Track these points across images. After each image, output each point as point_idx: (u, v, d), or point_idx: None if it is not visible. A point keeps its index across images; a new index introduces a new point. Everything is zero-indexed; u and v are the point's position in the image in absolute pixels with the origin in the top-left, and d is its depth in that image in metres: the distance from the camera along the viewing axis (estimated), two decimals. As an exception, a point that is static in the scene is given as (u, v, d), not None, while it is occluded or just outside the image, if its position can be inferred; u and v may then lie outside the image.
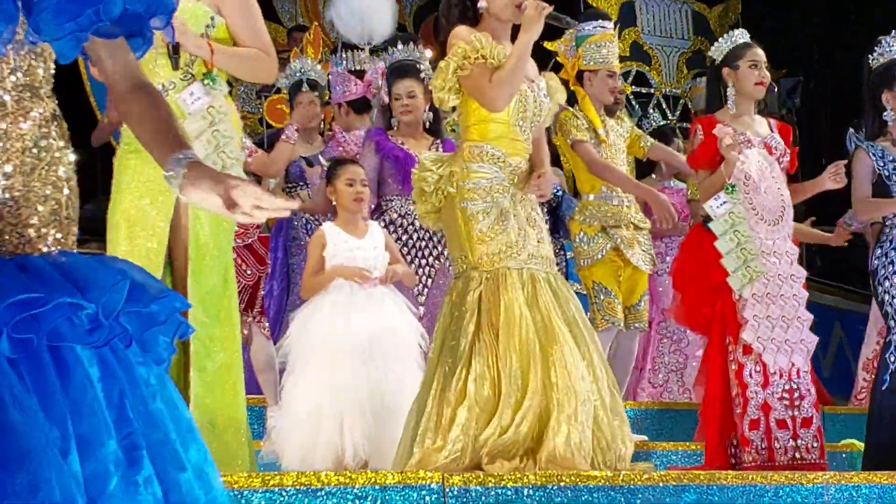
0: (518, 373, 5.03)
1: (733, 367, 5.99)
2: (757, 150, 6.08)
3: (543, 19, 5.20)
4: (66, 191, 2.28)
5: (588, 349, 5.16)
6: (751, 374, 5.97)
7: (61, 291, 2.09)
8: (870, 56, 6.48)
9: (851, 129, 6.68)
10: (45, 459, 2.00)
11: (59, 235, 2.25)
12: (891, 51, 6.42)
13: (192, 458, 2.24)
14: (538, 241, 5.28)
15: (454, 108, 5.50)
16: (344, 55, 8.05)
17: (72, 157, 2.30)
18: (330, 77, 8.20)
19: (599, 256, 7.14)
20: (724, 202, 5.97)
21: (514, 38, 5.29)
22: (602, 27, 7.43)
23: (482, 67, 5.18)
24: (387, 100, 7.13)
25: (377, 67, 7.59)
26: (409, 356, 5.84)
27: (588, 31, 7.40)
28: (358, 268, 5.94)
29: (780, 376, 5.98)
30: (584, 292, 7.28)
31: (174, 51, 4.71)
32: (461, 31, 5.27)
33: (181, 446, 2.22)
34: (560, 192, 8.00)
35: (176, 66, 4.74)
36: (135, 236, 4.73)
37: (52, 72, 2.31)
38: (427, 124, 7.12)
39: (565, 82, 7.41)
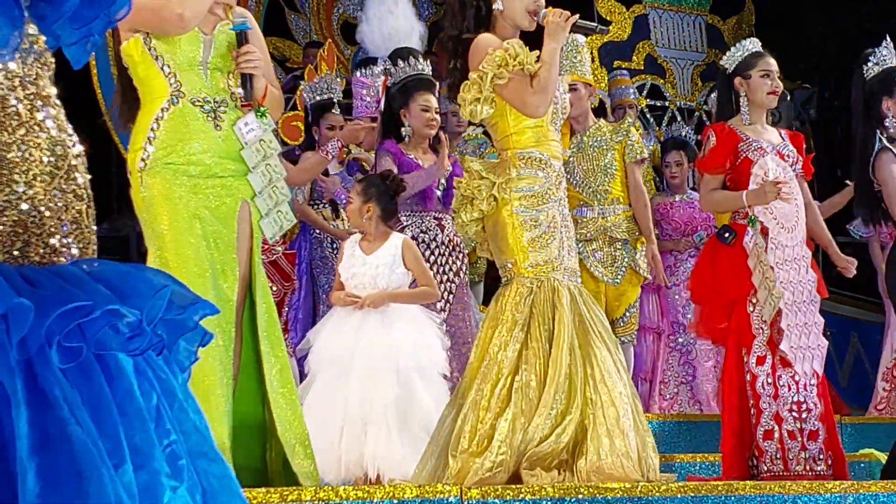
0: (566, 384, 5.02)
1: (748, 378, 6.00)
2: (771, 158, 6.08)
3: (569, 27, 5.19)
4: (85, 198, 2.28)
5: (617, 363, 5.16)
6: (763, 386, 5.97)
7: (102, 299, 2.09)
8: (864, 67, 6.48)
9: (878, 132, 6.65)
10: (98, 474, 2.00)
11: (81, 245, 2.25)
12: (885, 60, 6.43)
13: (219, 472, 2.24)
14: (569, 254, 5.28)
15: (470, 123, 5.50)
16: (368, 70, 8.08)
17: (84, 160, 2.31)
18: (353, 88, 8.27)
19: None
20: (751, 235, 5.99)
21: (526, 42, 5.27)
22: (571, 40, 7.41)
23: (521, 75, 5.13)
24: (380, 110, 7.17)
25: (379, 80, 7.61)
26: (428, 370, 5.85)
27: None
28: (343, 294, 5.95)
29: (789, 389, 5.98)
30: None
31: (248, 83, 4.78)
32: (489, 38, 5.20)
33: (207, 459, 2.23)
34: None
35: (248, 98, 4.79)
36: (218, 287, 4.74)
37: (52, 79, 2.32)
38: (430, 140, 7.16)
39: None
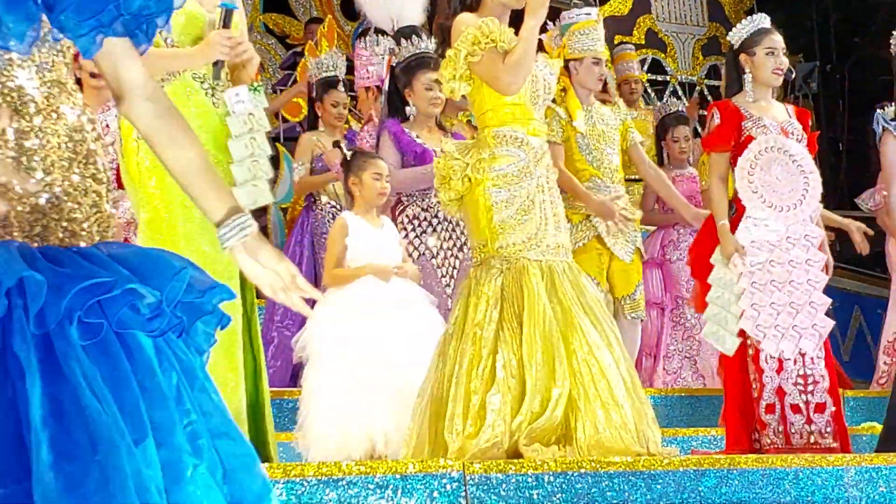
0: (545, 361, 5.03)
1: (750, 352, 6.00)
2: (773, 136, 6.06)
3: (548, 2, 5.19)
4: (105, 181, 2.29)
5: (607, 335, 5.16)
6: (766, 360, 5.97)
7: (125, 279, 2.10)
8: (893, 45, 6.48)
9: (878, 111, 6.64)
10: (116, 449, 2.00)
11: (100, 228, 2.26)
12: None
13: (239, 450, 2.25)
14: (556, 230, 5.28)
15: (464, 97, 5.50)
16: (371, 38, 8.09)
17: (102, 149, 2.32)
18: (356, 61, 8.28)
19: (581, 244, 7.16)
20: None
21: (512, 24, 5.28)
22: (586, 14, 7.41)
23: (493, 52, 5.16)
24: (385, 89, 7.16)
25: (379, 51, 7.60)
26: (431, 348, 5.86)
27: (572, 19, 7.39)
28: (389, 267, 5.97)
29: (795, 362, 5.98)
30: None
31: (220, 63, 4.76)
32: (467, 17, 5.24)
33: (227, 439, 2.24)
34: None
35: (217, 76, 4.78)
36: None
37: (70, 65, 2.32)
38: (437, 117, 7.16)
39: None
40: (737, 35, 6.29)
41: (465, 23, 5.21)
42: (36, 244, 2.15)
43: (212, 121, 4.77)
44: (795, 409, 5.96)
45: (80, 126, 2.26)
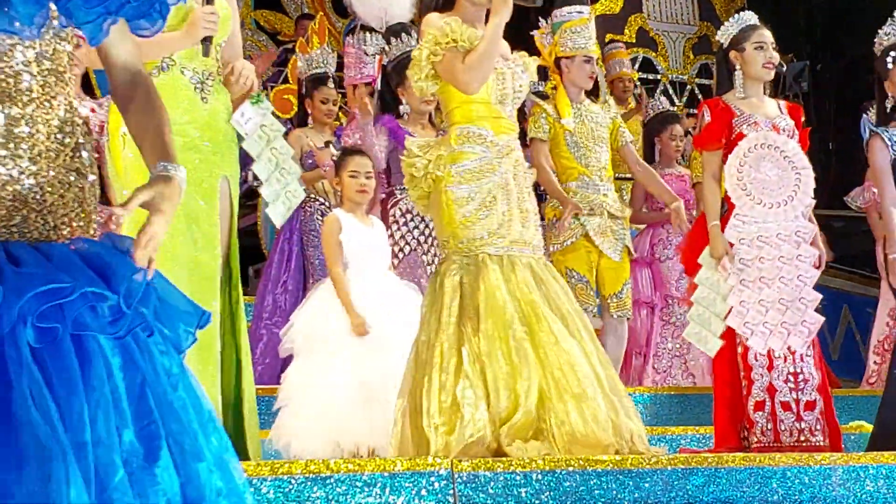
0: (504, 356, 5.03)
1: (739, 350, 6.01)
2: (763, 133, 6.07)
3: (511, 2, 5.19)
4: (90, 177, 2.28)
5: (578, 329, 5.17)
6: (756, 357, 5.98)
7: (85, 280, 2.09)
8: (874, 48, 6.50)
9: (865, 115, 6.65)
10: (55, 458, 1.99)
11: (81, 223, 2.25)
12: (887, 40, 6.44)
13: (214, 448, 2.24)
14: (523, 226, 5.29)
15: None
16: (360, 36, 8.08)
17: (91, 144, 2.31)
18: (345, 58, 8.27)
19: (569, 242, 7.17)
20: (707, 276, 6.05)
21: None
22: (578, 13, 7.41)
23: (454, 51, 5.19)
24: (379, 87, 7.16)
25: (376, 56, 7.60)
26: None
27: (564, 17, 7.39)
28: (361, 323, 5.91)
29: (785, 360, 5.99)
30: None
31: (207, 39, 4.73)
32: (432, 17, 5.30)
33: (202, 436, 2.22)
34: None
35: (206, 53, 4.76)
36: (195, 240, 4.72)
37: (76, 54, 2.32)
38: (431, 115, 7.19)
39: (545, 70, 7.51)
40: (725, 33, 6.30)
41: (428, 23, 5.27)
42: (15, 237, 2.14)
43: (200, 115, 4.75)
44: (786, 406, 5.96)
45: (70, 118, 2.25)
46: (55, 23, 2.22)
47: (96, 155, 2.30)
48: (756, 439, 5.93)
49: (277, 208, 4.80)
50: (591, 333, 5.26)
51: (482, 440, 4.86)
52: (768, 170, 6.01)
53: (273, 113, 5.06)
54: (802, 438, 5.94)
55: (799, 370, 6.01)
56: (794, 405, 5.97)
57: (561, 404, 4.96)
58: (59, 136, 2.22)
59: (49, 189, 2.19)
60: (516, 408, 4.95)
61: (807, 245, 6.01)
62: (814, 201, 6.10)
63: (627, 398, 5.22)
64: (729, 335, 6.04)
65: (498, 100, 5.33)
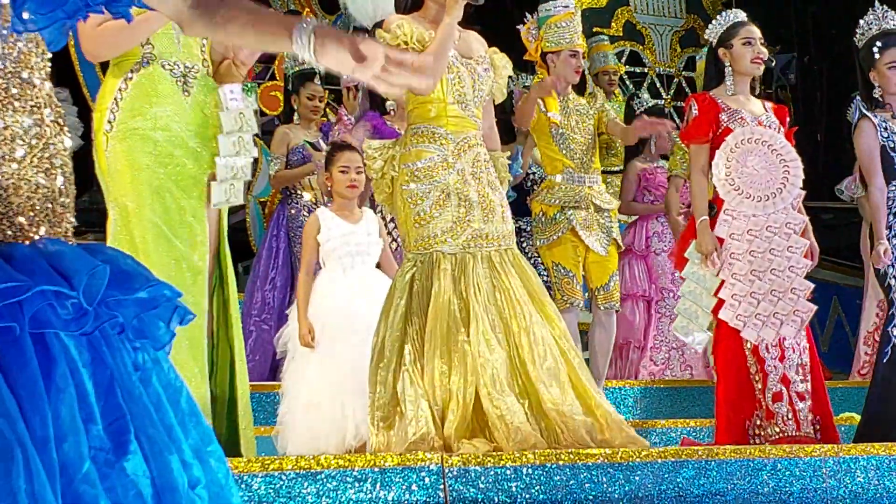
0: (442, 356, 5.08)
1: (748, 345, 5.99)
2: (750, 128, 6.08)
3: (464, 2, 5.21)
4: (59, 179, 2.26)
5: (548, 315, 5.20)
6: (767, 349, 5.98)
7: (44, 279, 2.09)
8: (855, 40, 6.52)
9: (857, 99, 6.65)
10: (15, 453, 1.99)
11: (51, 223, 2.24)
12: (869, 30, 6.45)
13: (192, 442, 2.23)
14: (485, 220, 5.29)
15: None
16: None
17: (67, 142, 2.29)
18: None
19: (557, 237, 7.19)
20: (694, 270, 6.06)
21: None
22: (563, 7, 7.42)
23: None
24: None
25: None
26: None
27: (549, 12, 7.40)
28: (307, 334, 5.93)
29: (794, 350, 6.00)
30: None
31: None
32: (391, 19, 5.36)
33: (180, 429, 2.22)
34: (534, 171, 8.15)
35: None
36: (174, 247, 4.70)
37: (49, 56, 2.30)
38: None
39: (532, 64, 7.53)
40: (713, 31, 6.32)
41: (386, 26, 5.34)
42: None
43: (183, 108, 4.73)
44: (801, 396, 5.98)
45: (39, 119, 2.24)
46: (9, 29, 2.21)
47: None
48: (779, 430, 5.91)
49: (220, 190, 4.74)
50: (552, 319, 5.26)
51: (425, 437, 4.91)
52: (755, 164, 6.03)
53: (260, 112, 5.06)
54: (817, 427, 5.97)
55: (805, 361, 6.03)
56: (806, 395, 5.99)
57: (532, 390, 5.02)
58: (24, 137, 2.20)
59: (14, 192, 2.18)
60: (457, 408, 4.99)
61: (797, 236, 6.02)
62: (803, 192, 6.11)
63: (593, 385, 5.23)
64: (734, 334, 6.02)
65: (456, 100, 5.34)
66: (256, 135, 10.30)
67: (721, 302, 5.97)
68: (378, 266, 6.16)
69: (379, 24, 7.57)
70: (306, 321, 5.90)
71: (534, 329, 5.13)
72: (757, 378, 5.99)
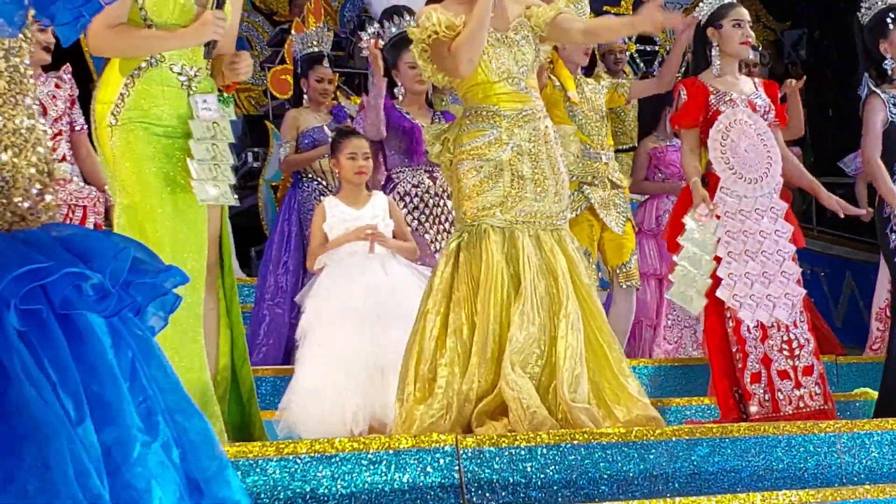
0: (496, 330, 5.06)
1: (730, 324, 6.01)
2: (741, 110, 6.10)
3: None
4: (46, 171, 2.29)
5: (587, 302, 5.19)
6: (748, 330, 5.99)
7: (66, 261, 2.10)
8: (858, 14, 6.51)
9: (866, 74, 6.64)
10: (56, 436, 2.00)
11: (48, 214, 2.26)
12: (877, 3, 6.46)
13: (197, 427, 2.26)
14: (539, 198, 5.28)
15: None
16: (372, 30, 8.08)
17: (50, 132, 2.32)
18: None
19: (574, 215, 7.17)
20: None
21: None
22: None
23: (437, 43, 5.26)
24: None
25: (369, 37, 7.58)
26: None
27: None
28: (355, 228, 5.99)
29: (778, 329, 6.01)
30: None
31: (211, 43, 4.72)
32: (422, 11, 5.37)
33: (186, 415, 2.24)
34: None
35: (208, 56, 4.75)
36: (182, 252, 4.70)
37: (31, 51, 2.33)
38: (427, 95, 7.21)
39: None
40: (703, 10, 6.32)
41: (417, 18, 5.40)
42: None
43: (184, 110, 4.72)
44: (783, 375, 5.98)
45: (31, 113, 2.27)
46: (34, 25, 2.23)
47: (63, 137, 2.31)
48: (755, 410, 5.95)
49: (200, 188, 4.73)
50: (594, 315, 5.25)
51: (444, 419, 4.94)
52: (746, 145, 6.04)
53: (268, 92, 5.05)
54: (802, 405, 5.96)
55: (793, 337, 6.03)
56: (791, 372, 6.00)
57: (515, 381, 4.97)
58: (23, 131, 2.23)
59: (13, 184, 2.20)
60: (489, 389, 5.00)
61: (783, 220, 6.04)
62: (782, 180, 6.13)
63: (629, 372, 5.23)
64: (718, 311, 6.04)
65: (501, 77, 5.33)
66: (265, 116, 10.30)
67: (718, 281, 5.97)
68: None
69: (391, 10, 7.59)
70: (343, 236, 6.04)
71: (571, 319, 5.13)
72: (738, 357, 6.01)
